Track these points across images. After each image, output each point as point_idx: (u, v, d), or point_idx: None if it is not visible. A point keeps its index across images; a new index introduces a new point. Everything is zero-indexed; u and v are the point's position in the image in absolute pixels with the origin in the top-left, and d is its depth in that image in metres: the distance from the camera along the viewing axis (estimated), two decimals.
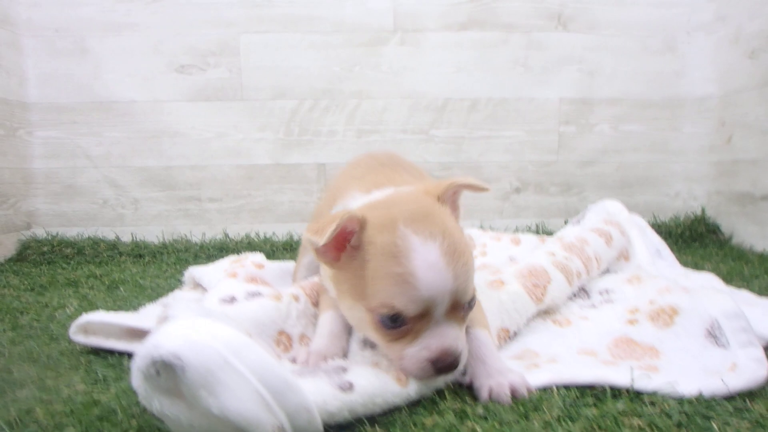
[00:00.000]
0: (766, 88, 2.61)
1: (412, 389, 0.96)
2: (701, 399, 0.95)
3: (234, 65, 2.87)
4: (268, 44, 2.89)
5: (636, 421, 0.87)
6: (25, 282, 2.15)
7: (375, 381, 0.91)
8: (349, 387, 0.87)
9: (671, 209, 3.08)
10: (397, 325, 0.93)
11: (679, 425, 0.86)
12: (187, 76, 2.86)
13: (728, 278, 1.94)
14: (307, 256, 1.64)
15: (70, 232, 2.86)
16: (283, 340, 1.20)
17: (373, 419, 0.91)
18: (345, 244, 0.98)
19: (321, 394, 0.83)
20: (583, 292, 1.61)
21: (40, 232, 2.84)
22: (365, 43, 2.92)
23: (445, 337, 0.94)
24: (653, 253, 1.93)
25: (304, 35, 2.89)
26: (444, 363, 0.93)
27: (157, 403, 0.72)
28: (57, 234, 2.84)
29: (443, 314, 0.94)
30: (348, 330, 1.23)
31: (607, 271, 1.78)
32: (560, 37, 2.97)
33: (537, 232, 2.91)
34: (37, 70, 2.82)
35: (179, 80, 2.86)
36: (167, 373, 0.70)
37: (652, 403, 0.94)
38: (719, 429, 0.85)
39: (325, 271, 1.09)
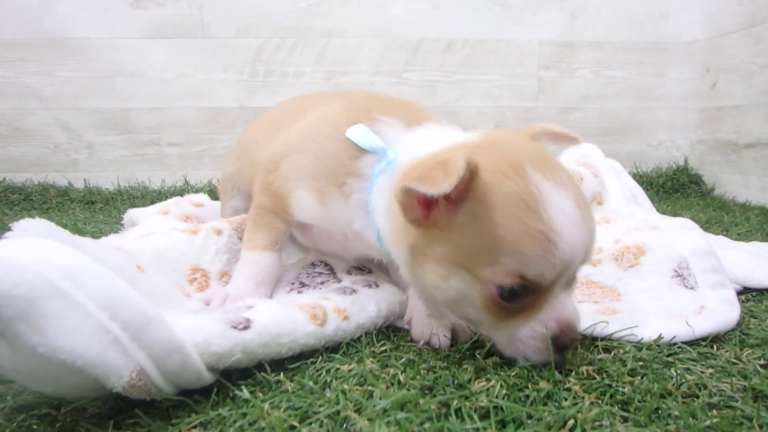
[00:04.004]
0: (752, 30, 2.48)
1: (330, 329, 0.85)
2: (662, 344, 0.86)
3: (194, 0, 2.67)
4: None
5: (584, 369, 0.77)
6: None
7: (282, 319, 0.79)
8: (244, 325, 0.75)
9: (653, 159, 2.98)
10: (518, 297, 0.75)
11: (632, 372, 0.77)
12: (143, 11, 2.66)
13: (707, 226, 1.85)
14: (233, 199, 1.44)
15: (18, 178, 2.70)
16: (198, 278, 1.06)
17: (281, 364, 0.80)
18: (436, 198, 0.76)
19: (203, 332, 0.69)
20: None
21: None
22: None
23: (566, 308, 0.77)
24: (628, 198, 1.81)
25: None
26: (569, 339, 0.77)
27: None
28: (3, 180, 2.68)
29: (566, 281, 0.77)
30: (277, 277, 1.07)
31: None
32: None
33: None
34: None
35: (135, 15, 2.66)
36: None
37: (606, 350, 0.85)
38: (678, 376, 0.75)
39: (396, 234, 0.86)
